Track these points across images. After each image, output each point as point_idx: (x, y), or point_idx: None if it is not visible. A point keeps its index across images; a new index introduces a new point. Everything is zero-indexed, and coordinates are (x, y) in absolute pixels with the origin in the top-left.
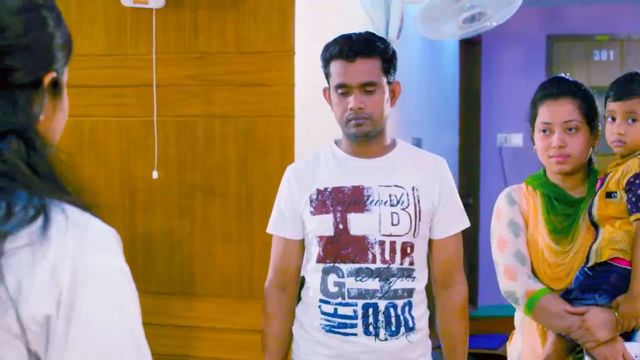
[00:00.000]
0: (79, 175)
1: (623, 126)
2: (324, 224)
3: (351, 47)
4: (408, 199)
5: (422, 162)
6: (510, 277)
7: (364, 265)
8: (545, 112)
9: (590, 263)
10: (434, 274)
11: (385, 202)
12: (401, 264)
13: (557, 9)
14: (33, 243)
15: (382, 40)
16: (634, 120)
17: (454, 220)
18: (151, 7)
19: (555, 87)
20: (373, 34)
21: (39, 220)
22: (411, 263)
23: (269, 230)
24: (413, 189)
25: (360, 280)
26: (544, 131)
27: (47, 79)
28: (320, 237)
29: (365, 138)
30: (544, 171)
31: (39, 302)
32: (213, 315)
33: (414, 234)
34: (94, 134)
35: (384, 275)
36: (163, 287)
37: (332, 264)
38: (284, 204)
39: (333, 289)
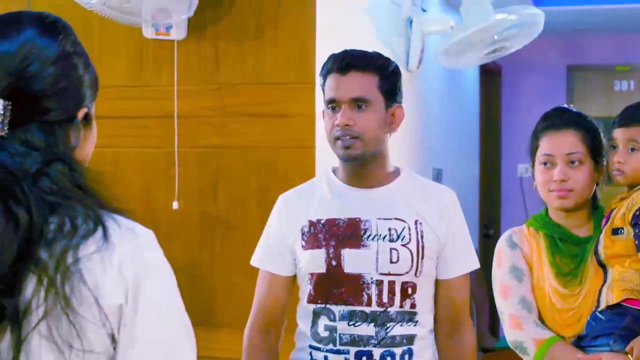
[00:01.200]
0: (109, 190)
1: (623, 155)
2: (316, 260)
3: (344, 60)
4: (410, 234)
5: (428, 194)
6: (516, 326)
7: (357, 308)
8: (546, 144)
9: (602, 307)
10: (438, 318)
11: (384, 237)
12: (401, 306)
13: (577, 39)
14: (100, 249)
15: (384, 58)
16: (633, 149)
17: (462, 259)
18: (173, 39)
19: (558, 118)
20: (378, 53)
21: (99, 230)
22: (413, 305)
23: (253, 262)
24: (416, 222)
25: (354, 324)
26: (545, 164)
27: (80, 114)
28: (312, 275)
29: (359, 163)
30: (546, 211)
31: (112, 295)
32: (233, 346)
33: (415, 273)
34: (115, 164)
35: (380, 320)
36: None
37: (323, 305)
38: (273, 235)
39: (324, 333)
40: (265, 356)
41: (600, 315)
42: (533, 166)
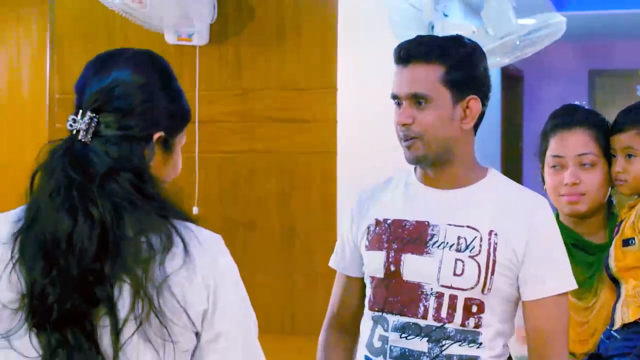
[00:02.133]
0: (181, 200)
1: (621, 163)
2: (375, 263)
3: (406, 49)
4: (481, 245)
5: (512, 201)
6: (522, 340)
7: (412, 320)
8: (556, 144)
9: (617, 325)
10: (528, 347)
11: (451, 246)
12: (462, 324)
13: (599, 44)
14: (185, 264)
15: (457, 43)
16: (630, 155)
17: (547, 278)
18: (195, 45)
19: (568, 116)
20: (454, 37)
21: (179, 244)
22: (477, 326)
23: (330, 263)
24: (490, 233)
25: (406, 337)
26: (554, 166)
27: (156, 136)
28: (372, 278)
29: (426, 165)
30: (557, 215)
31: (198, 303)
32: None
33: (483, 290)
34: None
35: (434, 335)
36: None
37: (380, 313)
38: (346, 234)
39: (377, 344)
40: (341, 354)
41: (614, 334)
42: (543, 168)
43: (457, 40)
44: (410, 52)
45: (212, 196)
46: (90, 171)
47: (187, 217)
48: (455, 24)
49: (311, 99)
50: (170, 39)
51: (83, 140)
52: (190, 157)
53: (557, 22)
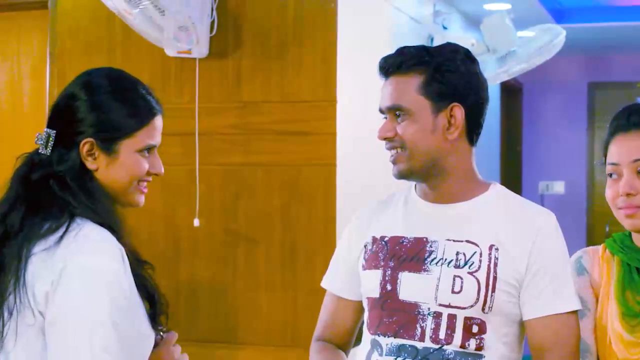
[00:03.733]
0: (113, 206)
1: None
2: (371, 283)
3: (386, 61)
4: (481, 261)
5: (516, 215)
6: None
7: (408, 342)
8: (613, 151)
9: None
10: None
11: (450, 262)
12: (462, 346)
13: (599, 56)
14: (50, 248)
15: (438, 49)
16: None
17: (550, 295)
18: (194, 57)
19: (626, 118)
20: (440, 45)
21: (60, 232)
22: (479, 347)
23: (322, 283)
24: (491, 248)
25: None
26: (611, 175)
27: (82, 144)
28: (368, 300)
29: (416, 179)
30: (630, 234)
31: (43, 283)
32: None
33: (483, 308)
34: None
35: (432, 358)
36: (206, 335)
37: (374, 336)
38: (342, 253)
39: None
40: (332, 352)
41: None
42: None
43: (439, 47)
44: (389, 64)
45: (213, 209)
46: (30, 176)
47: (102, 222)
48: (454, 36)
49: (311, 112)
50: (170, 51)
51: (42, 151)
52: (191, 170)
53: (557, 36)
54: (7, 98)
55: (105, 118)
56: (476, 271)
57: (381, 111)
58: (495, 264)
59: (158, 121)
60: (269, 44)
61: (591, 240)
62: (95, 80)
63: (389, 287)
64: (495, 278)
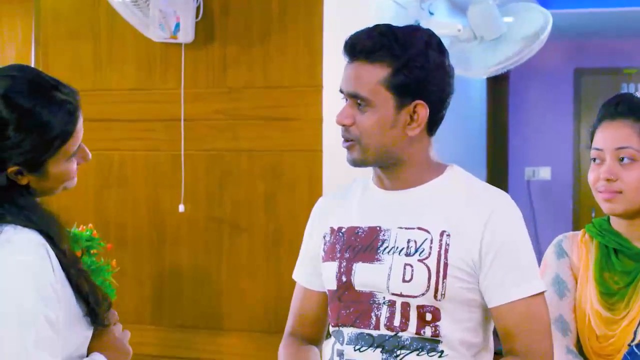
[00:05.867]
0: (47, 212)
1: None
2: (329, 275)
3: (353, 42)
4: (431, 248)
5: (470, 198)
6: None
7: (365, 331)
8: (598, 137)
9: (638, 339)
10: (503, 349)
11: (401, 250)
12: (417, 333)
13: (585, 42)
14: None
15: (408, 40)
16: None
17: (510, 280)
18: (180, 42)
19: (613, 106)
20: (408, 31)
21: None
22: (435, 334)
23: (293, 275)
24: (442, 234)
25: (359, 349)
26: (594, 159)
27: (10, 170)
28: (328, 291)
29: (372, 166)
30: (608, 218)
31: None
32: (239, 349)
33: (435, 295)
34: (122, 167)
35: (388, 345)
36: (190, 321)
37: (336, 328)
38: (306, 243)
39: (335, 358)
40: (298, 349)
41: (637, 351)
42: None
43: (409, 35)
44: (356, 47)
45: (198, 195)
46: None
47: (35, 225)
48: (440, 22)
49: (297, 98)
50: (156, 36)
51: None
52: (176, 155)
53: (545, 22)
54: None
55: (31, 145)
56: (426, 258)
57: (341, 92)
58: (447, 250)
59: (80, 121)
60: (254, 29)
61: (577, 226)
62: (17, 98)
63: (344, 279)
64: (446, 264)
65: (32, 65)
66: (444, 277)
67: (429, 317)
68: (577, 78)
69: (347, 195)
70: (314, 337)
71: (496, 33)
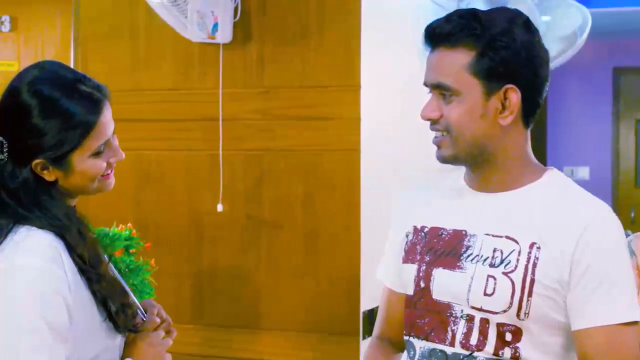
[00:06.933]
0: (68, 214)
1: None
2: (406, 277)
3: (432, 29)
4: (518, 260)
5: (566, 209)
6: None
7: (438, 347)
8: None
9: None
10: None
11: (485, 260)
12: (495, 354)
13: (623, 41)
14: None
15: (493, 18)
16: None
17: (598, 303)
18: (218, 42)
19: None
20: (493, 11)
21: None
22: (515, 357)
23: (377, 274)
24: (532, 246)
25: None
26: None
27: (34, 163)
28: (406, 295)
29: (463, 165)
30: None
31: None
32: (277, 348)
33: (518, 314)
34: (160, 167)
35: None
36: (228, 320)
37: (408, 337)
38: (390, 240)
39: None
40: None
41: None
42: None
43: (494, 15)
44: (435, 33)
45: (236, 194)
46: None
47: (51, 227)
48: None
49: (335, 97)
50: (194, 36)
51: None
52: (214, 155)
53: (580, 12)
54: None
55: (53, 133)
56: (512, 271)
57: (425, 85)
58: (535, 265)
59: (106, 114)
60: (291, 28)
61: None
62: (40, 86)
63: (422, 284)
64: (532, 281)
65: (72, 65)
66: (529, 294)
67: (509, 337)
68: (615, 77)
69: (433, 191)
70: (399, 340)
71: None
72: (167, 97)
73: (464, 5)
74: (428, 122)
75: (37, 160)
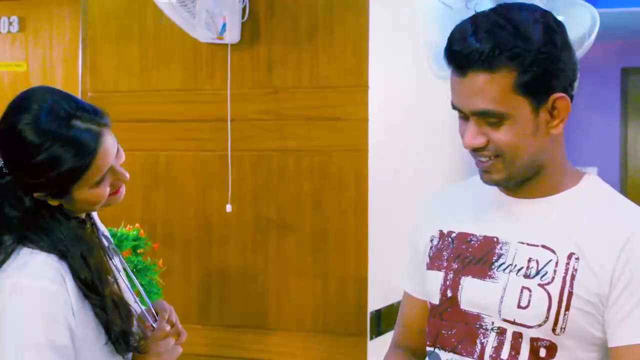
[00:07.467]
0: (72, 237)
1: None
2: (432, 286)
3: (462, 54)
4: (555, 271)
5: (607, 217)
6: None
7: (466, 359)
8: None
9: None
10: None
11: (519, 270)
12: None
13: (632, 41)
14: None
15: (525, 29)
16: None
17: (634, 320)
18: (226, 43)
19: None
20: (518, 20)
21: (1, 257)
22: None
23: (401, 283)
24: (570, 257)
25: None
26: None
27: (36, 195)
28: (430, 304)
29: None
30: None
31: None
32: (286, 349)
33: (554, 329)
34: (169, 167)
35: None
36: (237, 320)
37: (432, 348)
38: (412, 244)
39: None
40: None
41: None
42: None
43: (526, 24)
44: (468, 58)
45: (245, 195)
46: None
47: (55, 250)
48: None
49: (343, 98)
50: (202, 37)
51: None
52: (223, 155)
53: (590, 13)
54: (40, 83)
55: (46, 179)
56: (548, 283)
57: (457, 109)
58: (573, 277)
59: (105, 144)
60: (300, 29)
61: None
62: (27, 133)
63: (449, 294)
64: (570, 294)
65: (80, 66)
66: (567, 308)
67: (542, 352)
68: (624, 78)
69: (461, 194)
70: (421, 349)
71: None
72: (175, 98)
73: (472, 6)
74: (435, 122)
75: (38, 194)
